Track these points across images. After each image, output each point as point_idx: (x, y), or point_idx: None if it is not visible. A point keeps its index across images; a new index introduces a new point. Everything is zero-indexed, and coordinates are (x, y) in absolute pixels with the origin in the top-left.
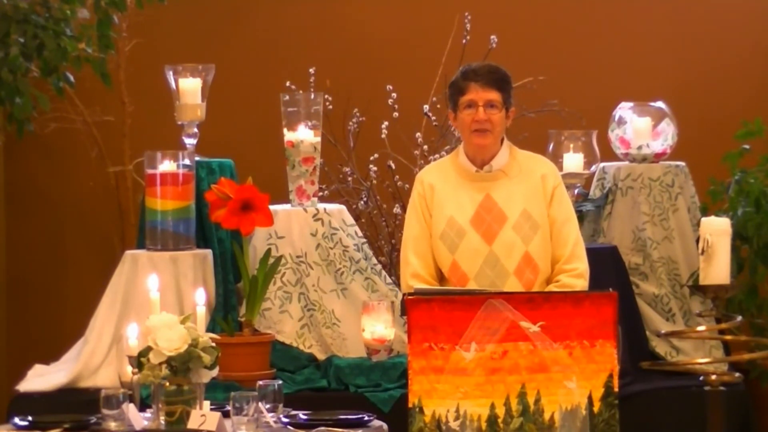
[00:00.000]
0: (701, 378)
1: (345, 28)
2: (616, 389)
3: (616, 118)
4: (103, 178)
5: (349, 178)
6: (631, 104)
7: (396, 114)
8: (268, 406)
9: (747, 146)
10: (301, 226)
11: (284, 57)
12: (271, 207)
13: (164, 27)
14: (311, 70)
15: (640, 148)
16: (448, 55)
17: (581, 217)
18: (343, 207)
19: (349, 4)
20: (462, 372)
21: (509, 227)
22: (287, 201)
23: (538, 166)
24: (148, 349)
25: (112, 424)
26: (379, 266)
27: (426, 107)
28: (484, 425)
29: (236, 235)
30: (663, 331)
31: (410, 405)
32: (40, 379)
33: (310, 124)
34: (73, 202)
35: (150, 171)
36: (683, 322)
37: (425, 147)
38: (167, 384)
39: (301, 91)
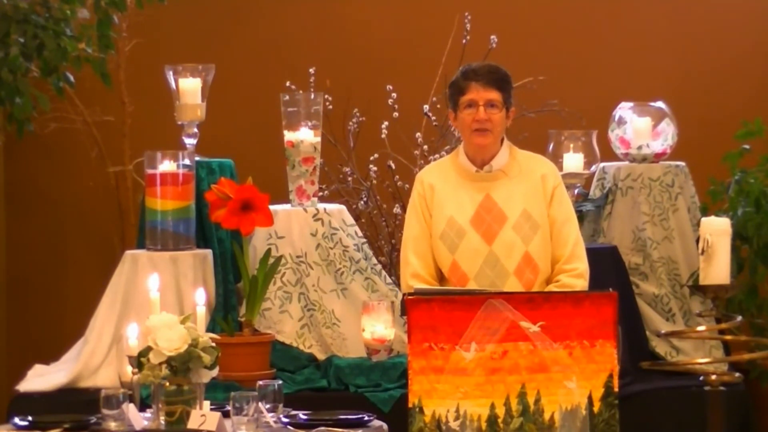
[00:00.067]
0: (701, 378)
1: (345, 28)
2: (616, 389)
3: (616, 118)
4: (103, 178)
5: (349, 178)
6: (631, 104)
7: (396, 114)
8: (268, 406)
9: (747, 146)
10: (301, 226)
11: (284, 57)
12: (271, 207)
13: (164, 27)
14: (311, 70)
15: (640, 148)
16: (448, 55)
17: (581, 217)
18: (343, 207)
19: (349, 4)
20: (462, 372)
21: (509, 227)
22: (287, 201)
23: (538, 166)
24: (148, 349)
25: (112, 424)
26: (379, 266)
27: (426, 107)
28: (484, 425)
29: (236, 235)
30: (663, 331)
31: (410, 405)
32: (40, 379)
33: (310, 124)
34: (73, 202)
35: (150, 171)
36: (683, 322)
37: (425, 147)
38: (167, 384)
39: (301, 91)
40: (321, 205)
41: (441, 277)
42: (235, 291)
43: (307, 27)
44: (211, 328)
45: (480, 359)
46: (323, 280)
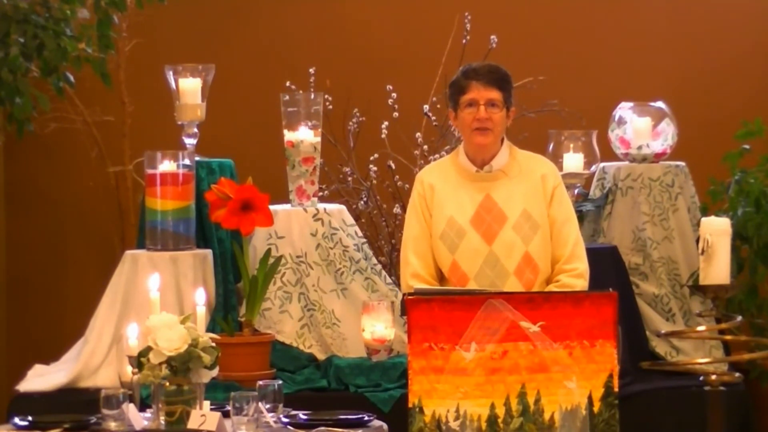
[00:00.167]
0: (701, 378)
1: (345, 28)
2: (616, 389)
3: (616, 118)
4: (103, 178)
5: (349, 178)
6: (631, 104)
7: (396, 114)
8: (268, 406)
9: (747, 146)
10: (301, 226)
11: (284, 57)
12: (271, 207)
13: (164, 27)
14: (311, 70)
15: (640, 148)
16: (448, 55)
17: (581, 217)
18: (343, 207)
19: (349, 4)
20: (462, 372)
21: (509, 227)
22: (287, 201)
23: (538, 166)
24: (148, 349)
25: (112, 424)
26: (379, 266)
27: (426, 107)
28: (484, 425)
29: (236, 235)
30: (663, 331)
31: (410, 405)
32: (40, 379)
33: (310, 124)
34: (73, 202)
35: (150, 171)
36: (683, 322)
37: (425, 147)
38: (167, 384)
39: (301, 91)
40: (321, 205)
41: (441, 277)
42: (235, 291)
43: (307, 27)
44: (211, 328)
45: (480, 359)
46: (323, 280)
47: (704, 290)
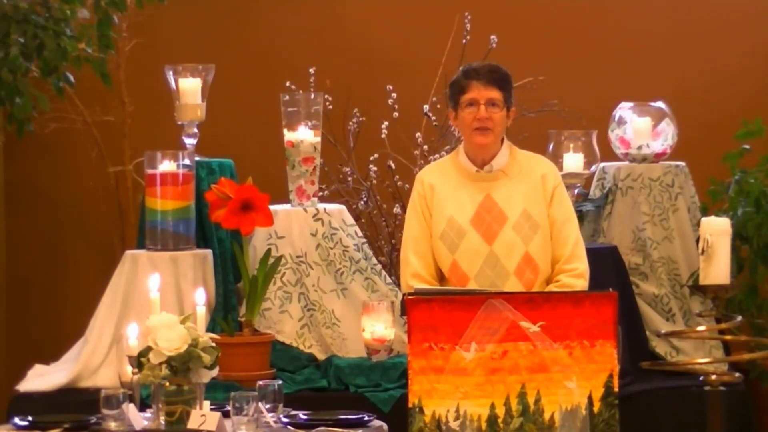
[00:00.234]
0: (701, 378)
1: (345, 28)
2: (616, 389)
3: (616, 118)
4: (103, 178)
5: (349, 178)
6: (631, 104)
7: (396, 114)
8: (268, 406)
9: (747, 146)
10: (301, 226)
11: (284, 57)
12: (271, 207)
13: (164, 27)
14: (311, 70)
15: (640, 148)
16: (448, 55)
17: (581, 217)
18: (343, 207)
19: (349, 4)
20: (462, 372)
21: (509, 227)
22: (287, 201)
23: (538, 166)
24: (148, 349)
25: (112, 424)
26: (379, 266)
27: (426, 107)
28: (484, 425)
29: (236, 235)
30: (663, 331)
31: (410, 405)
32: (40, 379)
33: (310, 124)
34: (73, 202)
35: (150, 171)
36: (683, 322)
37: (425, 147)
38: (167, 384)
39: (301, 91)
40: (321, 205)
41: (441, 277)
42: (235, 291)
43: (307, 27)
44: (211, 328)
45: (480, 359)
46: (323, 280)
47: (704, 290)
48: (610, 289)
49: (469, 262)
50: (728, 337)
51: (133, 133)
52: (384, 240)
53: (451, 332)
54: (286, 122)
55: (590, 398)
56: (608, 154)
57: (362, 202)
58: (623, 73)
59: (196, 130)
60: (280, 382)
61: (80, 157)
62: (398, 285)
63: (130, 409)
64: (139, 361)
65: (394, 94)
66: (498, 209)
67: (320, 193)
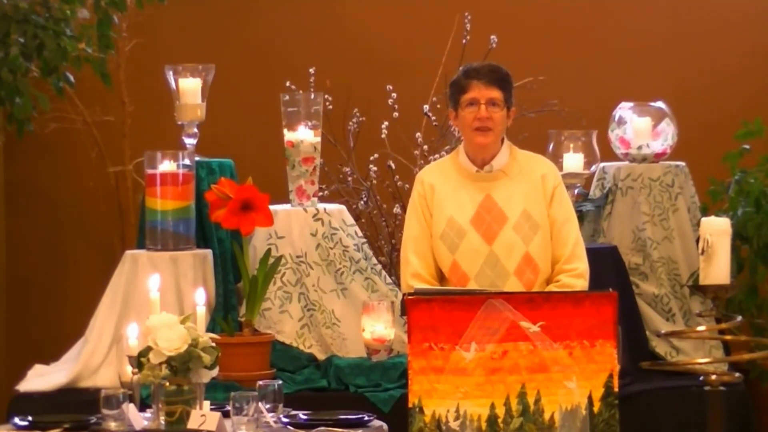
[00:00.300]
0: (701, 378)
1: (345, 28)
2: (616, 389)
3: (616, 118)
4: (103, 178)
5: (349, 178)
6: (631, 104)
7: (396, 114)
8: (268, 406)
9: (747, 146)
10: (301, 226)
11: (284, 57)
12: (271, 207)
13: (164, 27)
14: (311, 70)
15: (640, 148)
16: (448, 55)
17: (581, 217)
18: (343, 207)
19: (349, 4)
20: (462, 372)
21: (509, 227)
22: (287, 201)
23: (538, 166)
24: (148, 349)
25: (112, 424)
26: (379, 266)
27: (426, 107)
28: (484, 425)
29: (236, 235)
30: (663, 331)
31: (410, 405)
32: (40, 379)
33: (310, 124)
34: (73, 202)
35: (150, 171)
36: (683, 322)
37: (425, 147)
38: (167, 384)
39: (301, 91)
40: (321, 205)
41: (441, 277)
42: (235, 291)
43: (307, 27)
44: (211, 328)
45: (480, 359)
46: (323, 280)
47: (704, 290)
48: (610, 289)
49: (470, 262)
50: (728, 337)
51: (133, 133)
52: (384, 240)
53: (451, 332)
54: (286, 122)
55: (590, 398)
56: (608, 154)
57: (362, 202)
58: (623, 73)
59: (196, 130)
60: (280, 382)
61: (80, 157)
62: (398, 285)
63: (130, 409)
64: (139, 361)
65: (394, 94)
66: (498, 209)
67: (320, 193)
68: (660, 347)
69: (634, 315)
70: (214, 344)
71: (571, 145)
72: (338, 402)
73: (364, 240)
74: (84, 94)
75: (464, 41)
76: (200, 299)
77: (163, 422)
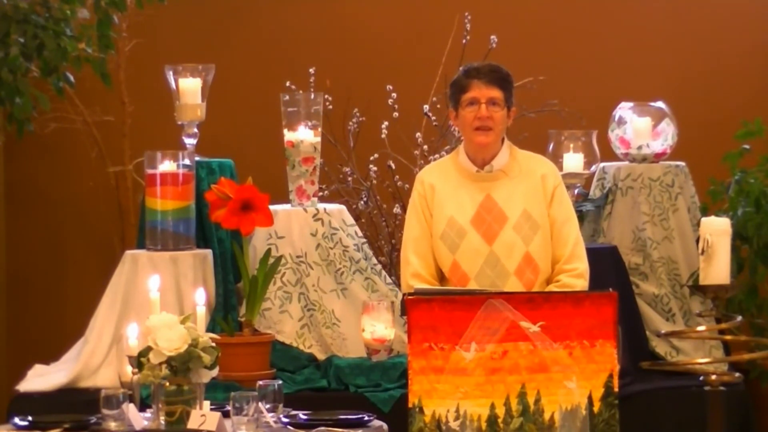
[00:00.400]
0: (701, 378)
1: (345, 28)
2: (616, 389)
3: (616, 118)
4: (103, 178)
5: (349, 178)
6: (631, 104)
7: (396, 114)
8: (268, 406)
9: (747, 146)
10: (301, 226)
11: (284, 57)
12: (271, 207)
13: (164, 27)
14: (311, 70)
15: (640, 148)
16: (448, 55)
17: (581, 217)
18: (343, 207)
19: (349, 4)
20: (462, 372)
21: (510, 227)
22: (287, 201)
23: (538, 166)
24: (148, 349)
25: (112, 424)
26: (379, 266)
27: (426, 107)
28: (484, 425)
29: (236, 235)
30: (663, 331)
31: (410, 405)
32: (40, 379)
33: (310, 124)
34: (73, 202)
35: (150, 171)
36: (683, 322)
37: (425, 147)
38: (167, 384)
39: (301, 91)
40: (321, 205)
41: (441, 277)
42: (235, 291)
43: (307, 27)
44: (211, 328)
45: (480, 359)
46: (323, 280)
47: (704, 290)
48: (610, 289)
49: (470, 262)
50: (728, 337)
51: (133, 133)
52: (384, 240)
53: (451, 332)
54: (286, 122)
55: (590, 398)
56: (608, 154)
57: (362, 202)
58: (623, 73)
59: (196, 130)
60: (280, 382)
61: (80, 157)
62: (398, 285)
63: (130, 409)
64: (139, 361)
65: (394, 94)
66: (498, 209)
67: (320, 193)
68: (660, 347)
69: (634, 315)
70: (214, 344)
71: (571, 145)
72: (338, 402)
73: (364, 240)
74: (84, 94)
75: (464, 41)
76: (200, 299)
77: (163, 422)
